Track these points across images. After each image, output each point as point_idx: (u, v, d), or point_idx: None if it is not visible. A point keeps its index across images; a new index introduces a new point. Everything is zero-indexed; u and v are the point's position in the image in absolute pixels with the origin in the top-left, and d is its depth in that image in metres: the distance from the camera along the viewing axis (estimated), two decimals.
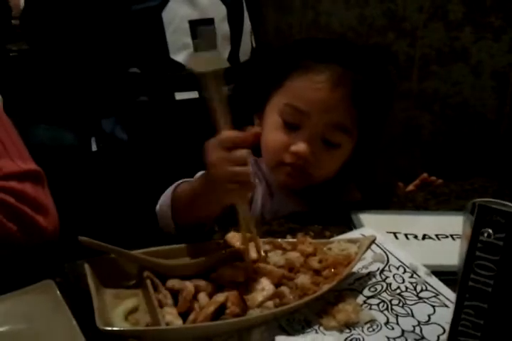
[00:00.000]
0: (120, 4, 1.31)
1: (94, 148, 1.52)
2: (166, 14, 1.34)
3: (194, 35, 1.39)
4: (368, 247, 0.71)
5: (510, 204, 0.68)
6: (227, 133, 0.65)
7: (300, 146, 0.85)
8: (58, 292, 0.59)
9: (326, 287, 0.64)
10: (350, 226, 0.86)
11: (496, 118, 1.14)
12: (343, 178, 0.96)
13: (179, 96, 1.40)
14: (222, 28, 1.44)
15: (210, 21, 1.42)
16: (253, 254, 0.66)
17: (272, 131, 0.89)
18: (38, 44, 1.50)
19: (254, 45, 1.58)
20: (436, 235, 0.84)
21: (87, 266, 0.63)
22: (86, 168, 1.49)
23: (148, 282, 0.63)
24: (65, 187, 1.40)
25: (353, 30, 1.46)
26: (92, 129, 1.50)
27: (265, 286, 0.61)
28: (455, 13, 1.19)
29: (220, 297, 0.60)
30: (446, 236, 0.84)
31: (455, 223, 0.85)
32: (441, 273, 0.73)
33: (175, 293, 0.63)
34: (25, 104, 1.62)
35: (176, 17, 1.36)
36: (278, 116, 0.88)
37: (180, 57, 1.37)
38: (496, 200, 0.70)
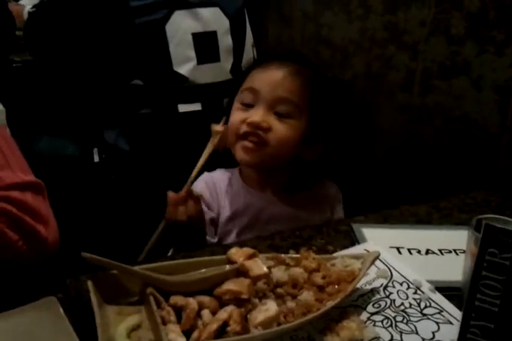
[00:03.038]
0: (124, 17, 1.31)
1: (96, 159, 1.52)
2: (170, 27, 1.35)
3: (197, 48, 1.39)
4: (372, 263, 0.71)
5: None
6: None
7: (253, 117, 0.95)
8: (61, 309, 0.59)
9: (329, 304, 0.64)
10: (353, 240, 0.86)
11: (498, 131, 1.14)
12: (314, 172, 1.05)
13: (182, 108, 1.40)
14: (225, 40, 1.45)
15: (213, 34, 1.43)
16: (257, 271, 0.66)
17: (232, 115, 1.00)
18: (41, 55, 1.50)
19: (255, 57, 1.59)
20: (440, 250, 0.84)
21: (89, 283, 0.63)
22: (88, 178, 1.49)
23: (151, 298, 0.62)
24: (66, 198, 1.40)
25: (354, 43, 1.47)
26: (94, 140, 1.50)
27: (270, 307, 0.61)
28: (457, 27, 1.19)
29: (223, 314, 0.60)
30: (450, 252, 0.84)
31: (458, 238, 0.86)
32: (445, 289, 0.73)
33: (178, 310, 0.62)
34: (28, 114, 1.62)
35: (180, 30, 1.37)
36: (238, 103, 1.00)
37: (183, 69, 1.38)
38: (499, 217, 0.70)
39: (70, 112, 1.54)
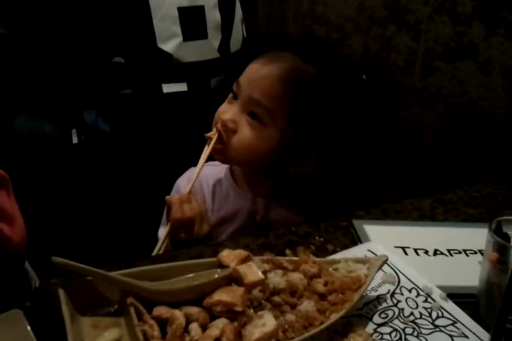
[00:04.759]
0: None
1: (75, 140, 1.44)
2: (154, 0, 1.26)
3: (183, 23, 1.31)
4: (379, 269, 0.64)
5: None
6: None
7: (225, 115, 0.88)
8: (27, 325, 0.51)
9: (333, 317, 0.57)
10: (354, 238, 0.79)
11: (506, 119, 1.07)
12: (309, 185, 0.94)
13: (167, 88, 1.33)
14: (213, 16, 1.38)
15: (200, 9, 1.34)
16: (252, 277, 0.58)
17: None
18: (15, 28, 1.40)
19: (245, 34, 1.50)
20: (448, 250, 0.77)
21: (60, 291, 0.55)
22: (65, 161, 1.41)
23: (132, 310, 0.55)
24: (41, 182, 1.32)
25: (352, 22, 1.38)
26: (73, 121, 1.43)
27: (267, 321, 0.53)
28: (464, 6, 1.11)
29: (214, 331, 0.52)
30: (459, 252, 0.77)
31: (466, 236, 0.80)
32: (458, 296, 0.66)
33: (163, 322, 0.55)
34: (4, 93, 1.53)
35: (165, 3, 1.29)
36: (230, 94, 0.91)
37: (168, 46, 1.30)
38: None
39: (47, 91, 1.45)
